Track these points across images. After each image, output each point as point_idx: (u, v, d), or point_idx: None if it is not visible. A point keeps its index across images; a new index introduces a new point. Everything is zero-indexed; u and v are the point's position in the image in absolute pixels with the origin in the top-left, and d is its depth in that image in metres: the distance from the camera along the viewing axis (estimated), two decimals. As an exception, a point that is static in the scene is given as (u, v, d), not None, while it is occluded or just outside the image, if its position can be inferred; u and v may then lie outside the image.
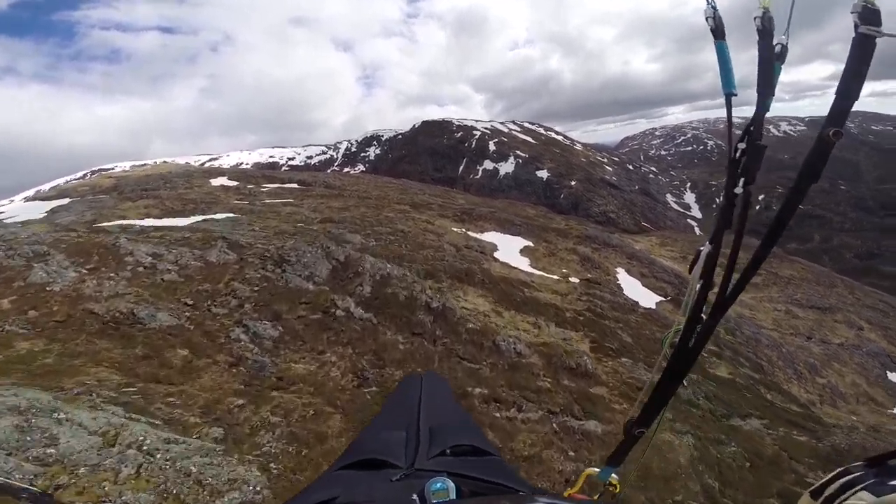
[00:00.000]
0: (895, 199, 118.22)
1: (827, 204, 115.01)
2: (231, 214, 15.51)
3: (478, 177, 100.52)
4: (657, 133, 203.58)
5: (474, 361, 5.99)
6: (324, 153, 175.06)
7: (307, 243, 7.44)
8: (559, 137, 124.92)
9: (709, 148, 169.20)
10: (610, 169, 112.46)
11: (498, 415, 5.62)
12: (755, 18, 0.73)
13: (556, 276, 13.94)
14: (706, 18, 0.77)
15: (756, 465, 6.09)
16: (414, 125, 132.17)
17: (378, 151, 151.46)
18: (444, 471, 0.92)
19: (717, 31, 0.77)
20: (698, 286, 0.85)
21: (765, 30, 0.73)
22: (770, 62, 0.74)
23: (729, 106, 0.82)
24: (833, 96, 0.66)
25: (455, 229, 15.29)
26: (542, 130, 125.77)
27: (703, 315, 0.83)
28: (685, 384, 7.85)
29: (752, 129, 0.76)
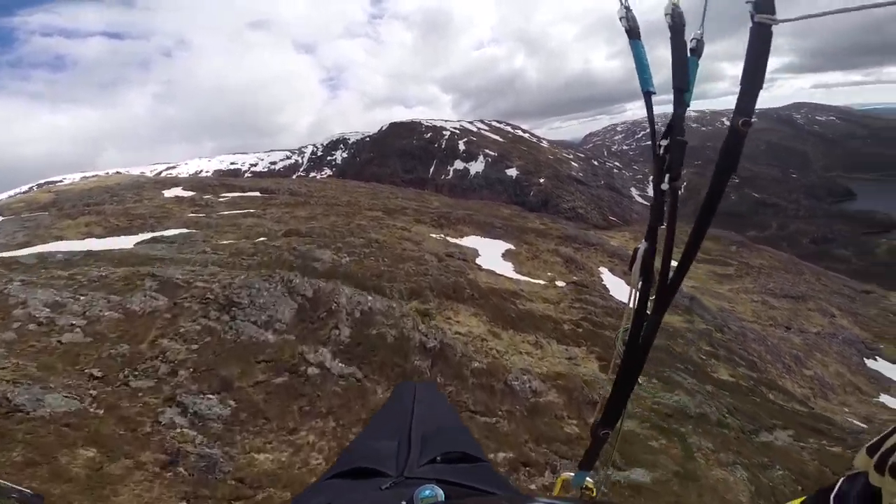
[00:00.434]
0: (840, 187, 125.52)
1: (781, 192, 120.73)
2: (184, 230, 13.98)
3: (449, 177, 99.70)
4: (619, 129, 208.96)
5: (489, 413, 4.82)
6: (288, 158, 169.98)
7: (262, 277, 5.46)
8: (526, 135, 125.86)
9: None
10: (576, 165, 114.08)
11: (533, 485, 4.58)
12: (665, 15, 0.72)
13: (542, 281, 13.19)
14: (619, 19, 0.76)
15: (806, 487, 5.50)
16: (382, 127, 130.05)
17: (345, 155, 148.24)
18: (434, 478, 0.90)
19: (632, 32, 0.77)
20: (640, 283, 0.85)
21: (676, 25, 0.73)
22: (683, 58, 0.74)
23: (649, 104, 0.81)
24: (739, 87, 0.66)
25: (434, 235, 14.30)
26: (509, 129, 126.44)
27: (647, 311, 0.84)
28: (695, 393, 7.19)
29: (673, 126, 0.76)
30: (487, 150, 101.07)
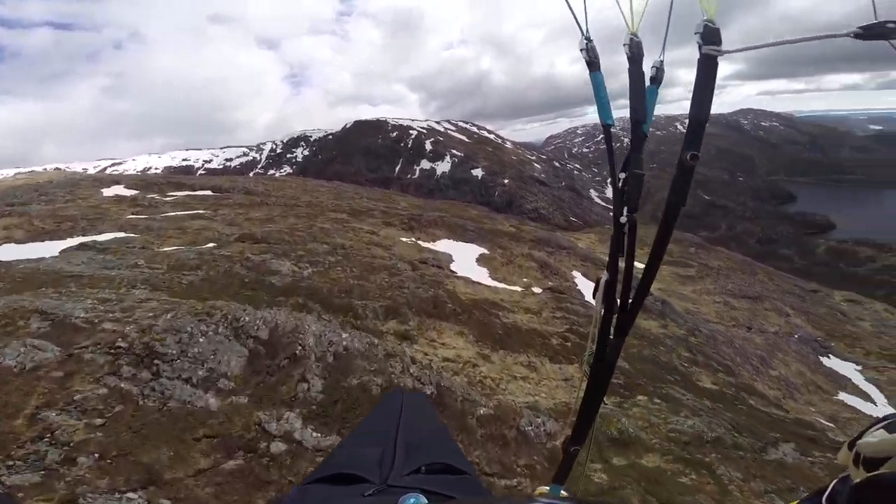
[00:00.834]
0: (782, 190, 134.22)
1: (729, 195, 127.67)
2: (119, 234, 12.34)
3: (415, 177, 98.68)
4: (579, 131, 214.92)
5: (507, 472, 3.73)
6: (245, 155, 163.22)
7: (196, 316, 3.97)
8: (491, 136, 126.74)
9: (625, 145, 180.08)
10: (538, 166, 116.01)
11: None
12: (624, 45, 0.72)
13: (519, 288, 12.55)
14: (581, 50, 0.75)
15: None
16: (346, 125, 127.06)
17: (306, 152, 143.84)
18: (418, 488, 0.89)
19: (592, 64, 0.75)
20: (602, 311, 0.88)
21: (633, 56, 0.72)
22: (641, 90, 0.74)
23: (608, 137, 0.80)
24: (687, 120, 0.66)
25: (404, 239, 13.35)
26: (475, 129, 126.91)
27: (610, 336, 0.88)
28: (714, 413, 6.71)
29: (630, 160, 0.77)
30: (454, 151, 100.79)
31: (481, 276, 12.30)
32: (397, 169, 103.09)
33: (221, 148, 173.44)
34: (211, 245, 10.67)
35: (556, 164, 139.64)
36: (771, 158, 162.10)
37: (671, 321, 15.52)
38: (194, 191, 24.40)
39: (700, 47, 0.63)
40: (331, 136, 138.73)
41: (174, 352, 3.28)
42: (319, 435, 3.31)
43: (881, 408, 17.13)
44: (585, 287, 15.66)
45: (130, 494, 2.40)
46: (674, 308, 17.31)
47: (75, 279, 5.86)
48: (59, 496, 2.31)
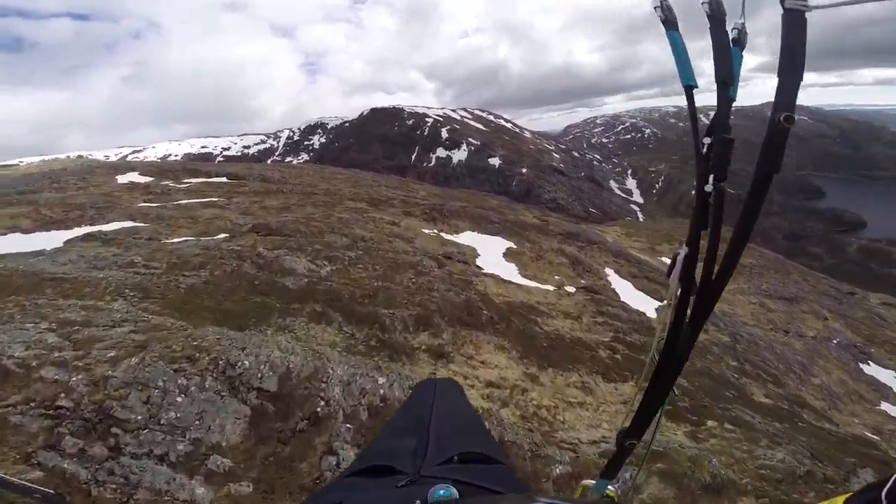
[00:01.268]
0: (811, 185, 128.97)
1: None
2: (128, 223, 11.71)
3: (431, 165, 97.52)
4: (598, 122, 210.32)
5: None
6: (263, 143, 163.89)
7: (173, 362, 2.86)
8: (508, 125, 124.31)
9: (646, 136, 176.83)
10: (557, 156, 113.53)
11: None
12: (703, 3, 0.69)
13: (551, 287, 11.58)
14: (654, 9, 0.71)
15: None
16: (363, 112, 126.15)
17: (323, 140, 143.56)
18: (450, 478, 0.89)
19: (668, 22, 0.71)
20: (678, 291, 0.79)
21: (714, 14, 0.68)
22: (726, 48, 0.69)
23: (690, 99, 0.76)
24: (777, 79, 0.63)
25: (426, 231, 12.43)
26: (492, 118, 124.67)
27: (686, 320, 0.79)
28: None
29: (717, 122, 0.73)
30: (471, 139, 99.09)
31: (511, 273, 11.35)
32: (413, 157, 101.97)
33: (239, 136, 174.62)
34: (222, 237, 9.92)
35: (576, 153, 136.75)
36: (799, 152, 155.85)
37: (712, 325, 14.38)
38: (210, 178, 23.84)
39: (783, 2, 0.59)
40: (347, 124, 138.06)
41: (140, 416, 2.21)
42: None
43: (926, 418, 15.88)
44: (620, 286, 14.59)
45: None
46: (714, 311, 16.14)
47: (55, 284, 5.08)
48: None
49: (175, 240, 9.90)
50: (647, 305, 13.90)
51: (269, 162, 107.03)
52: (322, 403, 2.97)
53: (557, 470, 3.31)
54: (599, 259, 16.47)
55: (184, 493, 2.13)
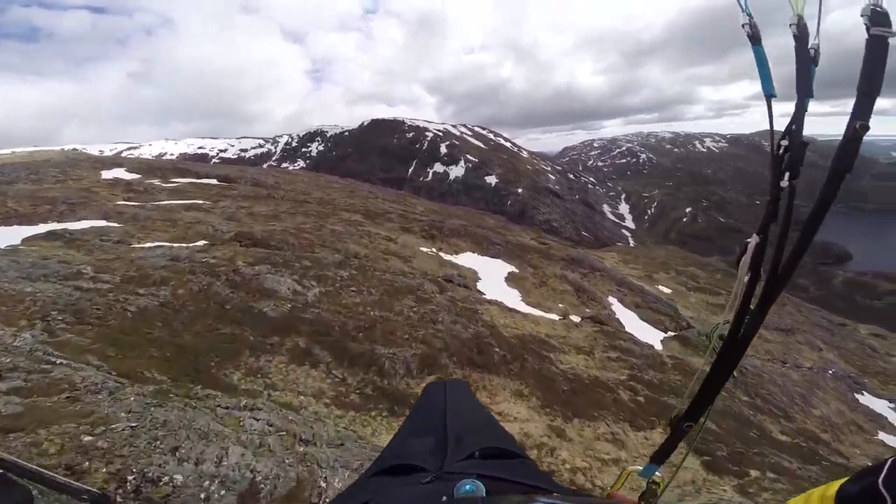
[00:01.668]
0: (802, 214, 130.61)
1: (745, 218, 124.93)
2: (100, 223, 10.73)
3: (427, 179, 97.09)
4: (595, 144, 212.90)
5: None
6: (260, 147, 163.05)
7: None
8: (507, 144, 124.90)
9: (641, 161, 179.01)
10: (553, 177, 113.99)
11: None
12: (791, 25, 0.77)
13: (556, 316, 10.78)
14: (742, 25, 0.80)
15: None
16: (363, 122, 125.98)
17: (321, 148, 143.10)
18: (474, 473, 0.89)
19: (754, 37, 0.81)
20: (746, 278, 0.82)
21: (800, 36, 0.78)
22: (807, 65, 0.78)
23: (770, 107, 0.83)
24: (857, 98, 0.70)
25: (424, 250, 11.60)
26: (491, 136, 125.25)
27: (750, 307, 0.82)
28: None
29: (793, 127, 0.80)
30: (469, 155, 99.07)
31: (514, 300, 10.53)
32: (410, 170, 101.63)
33: (238, 138, 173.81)
34: (200, 244, 8.99)
35: (571, 176, 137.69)
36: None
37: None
38: (199, 178, 22.90)
39: (867, 29, 0.66)
40: (346, 133, 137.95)
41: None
42: None
43: (921, 446, 15.52)
44: (625, 317, 13.84)
45: None
46: (719, 345, 15.45)
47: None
48: None
49: (146, 244, 8.93)
50: (654, 338, 13.15)
51: (264, 166, 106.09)
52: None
53: None
54: (602, 287, 15.75)
55: None
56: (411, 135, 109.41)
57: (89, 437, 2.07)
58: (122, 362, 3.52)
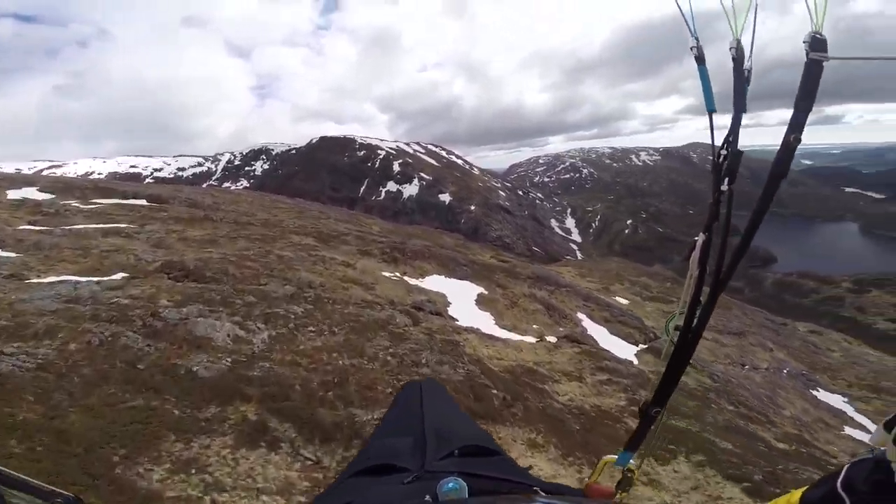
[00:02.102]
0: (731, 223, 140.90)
1: (681, 227, 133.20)
2: (-12, 253, 8.81)
3: (380, 199, 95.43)
4: (541, 161, 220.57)
5: None
6: (200, 165, 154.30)
7: None
8: (460, 161, 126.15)
9: (583, 176, 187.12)
10: (503, 194, 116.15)
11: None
12: (730, 49, 0.84)
13: (532, 338, 10.07)
14: (691, 48, 0.89)
15: None
16: (311, 140, 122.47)
17: (266, 166, 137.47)
18: (455, 471, 0.90)
19: (700, 59, 0.89)
20: (696, 272, 0.91)
21: (738, 58, 0.85)
22: (742, 83, 0.85)
23: (711, 121, 0.90)
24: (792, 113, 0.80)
25: (387, 274, 10.51)
26: (444, 153, 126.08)
27: (700, 298, 0.91)
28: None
29: (731, 138, 0.89)
30: (423, 174, 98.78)
31: (488, 323, 9.68)
32: (362, 189, 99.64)
33: (175, 156, 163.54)
34: (116, 277, 7.42)
35: (520, 192, 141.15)
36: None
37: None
38: (126, 199, 20.47)
39: (807, 54, 0.73)
40: (294, 151, 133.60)
41: None
42: None
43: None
44: (597, 333, 13.38)
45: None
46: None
47: None
48: None
49: (46, 279, 7.23)
50: (628, 352, 12.77)
51: (204, 186, 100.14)
52: None
53: None
54: (570, 304, 15.31)
55: None
56: (363, 153, 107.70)
57: None
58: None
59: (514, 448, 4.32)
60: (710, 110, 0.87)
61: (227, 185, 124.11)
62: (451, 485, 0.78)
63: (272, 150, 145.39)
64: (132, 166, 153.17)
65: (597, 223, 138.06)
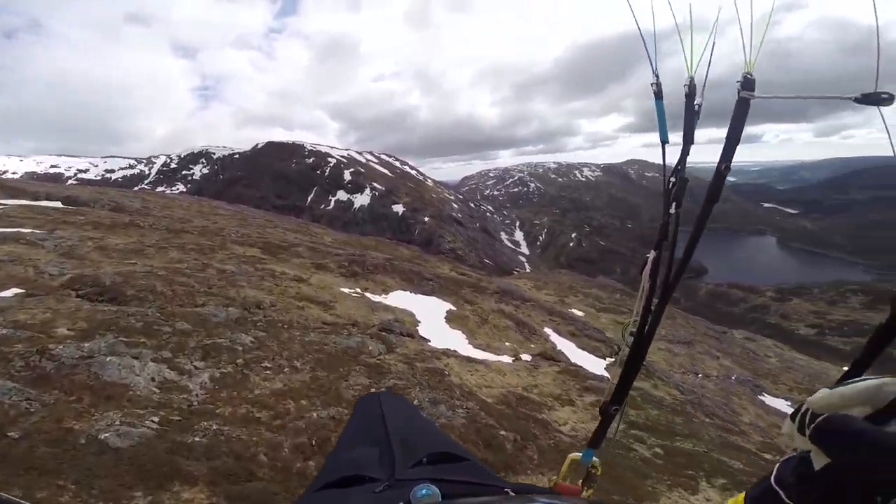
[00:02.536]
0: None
1: (621, 241, 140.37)
2: None
3: (329, 208, 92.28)
4: (491, 174, 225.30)
5: None
6: (131, 168, 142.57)
7: None
8: (413, 172, 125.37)
9: (531, 190, 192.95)
10: (456, 206, 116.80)
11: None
12: (684, 85, 0.92)
13: (508, 357, 9.38)
14: (651, 84, 0.96)
15: None
16: (257, 144, 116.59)
17: (206, 171, 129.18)
18: (427, 478, 0.89)
19: (658, 94, 0.96)
20: (647, 285, 1.02)
21: (690, 93, 0.92)
22: (692, 118, 0.93)
23: (664, 152, 1.01)
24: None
25: (346, 290, 9.38)
26: (397, 164, 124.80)
27: (651, 307, 1.02)
28: None
29: (679, 167, 0.98)
30: (375, 183, 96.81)
31: (460, 343, 8.83)
32: (310, 198, 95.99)
33: (104, 157, 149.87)
34: (7, 295, 5.85)
35: (472, 204, 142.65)
36: (653, 206, 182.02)
37: (659, 380, 13.47)
38: (37, 200, 17.78)
39: (738, 92, 0.81)
40: (237, 156, 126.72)
41: None
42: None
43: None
44: (566, 348, 12.92)
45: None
46: (653, 365, 15.41)
47: None
48: None
49: None
50: (598, 366, 12.41)
51: (135, 189, 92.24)
52: None
53: None
54: (537, 318, 14.83)
55: None
56: (312, 160, 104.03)
57: None
58: None
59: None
60: (664, 141, 0.97)
61: (161, 189, 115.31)
62: (424, 491, 0.77)
63: (213, 153, 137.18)
64: (53, 166, 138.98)
65: (543, 236, 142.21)
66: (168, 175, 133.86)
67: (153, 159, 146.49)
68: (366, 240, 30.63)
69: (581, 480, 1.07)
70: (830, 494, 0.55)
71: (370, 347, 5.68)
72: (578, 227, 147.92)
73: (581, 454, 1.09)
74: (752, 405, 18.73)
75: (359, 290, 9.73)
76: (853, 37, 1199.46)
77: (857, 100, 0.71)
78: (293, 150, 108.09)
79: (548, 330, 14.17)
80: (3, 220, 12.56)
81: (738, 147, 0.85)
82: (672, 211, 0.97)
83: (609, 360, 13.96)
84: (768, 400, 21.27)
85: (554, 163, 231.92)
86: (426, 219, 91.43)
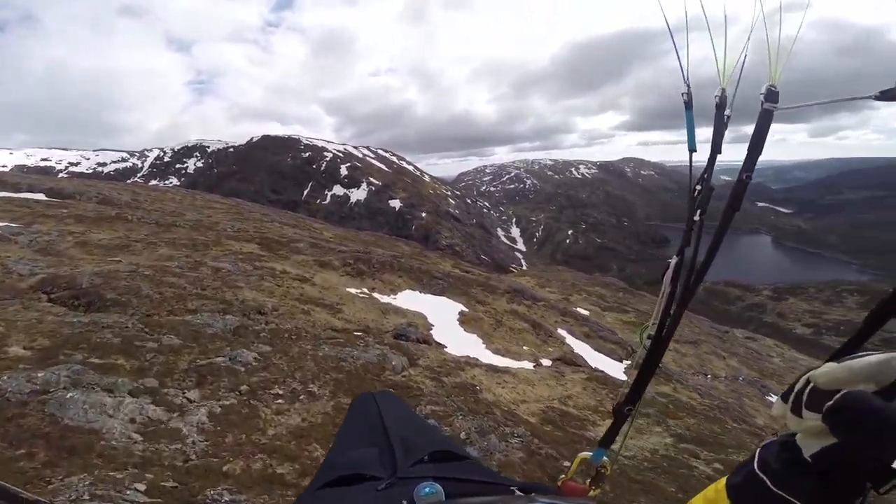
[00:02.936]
0: (659, 234, 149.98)
1: (616, 238, 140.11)
2: None
3: (325, 202, 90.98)
4: (487, 171, 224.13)
5: None
6: (124, 161, 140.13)
7: None
8: (410, 167, 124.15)
9: (527, 186, 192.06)
10: (453, 202, 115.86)
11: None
12: (715, 96, 0.93)
13: (528, 363, 8.65)
14: (682, 94, 0.96)
15: None
16: (252, 138, 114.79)
17: (200, 164, 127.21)
18: (429, 476, 0.87)
19: (688, 104, 0.96)
20: (668, 289, 1.00)
21: (721, 104, 0.93)
22: (721, 128, 0.94)
23: (691, 160, 1.01)
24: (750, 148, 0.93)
25: (353, 291, 8.58)
26: (394, 159, 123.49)
27: (671, 311, 1.00)
28: None
29: (705, 175, 0.98)
30: (372, 178, 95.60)
31: (478, 348, 8.09)
32: (306, 192, 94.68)
33: (95, 151, 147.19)
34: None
35: (468, 200, 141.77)
36: (649, 203, 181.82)
37: (677, 383, 12.85)
38: (19, 192, 16.78)
39: (762, 103, 0.81)
40: (232, 149, 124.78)
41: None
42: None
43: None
44: (583, 351, 12.21)
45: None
46: (669, 368, 14.79)
47: None
48: None
49: None
50: (616, 370, 11.74)
51: (128, 183, 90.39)
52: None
53: None
54: (550, 319, 14.11)
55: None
56: (308, 154, 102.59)
57: None
58: None
59: None
60: (692, 150, 0.99)
61: (154, 182, 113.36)
62: (427, 489, 0.77)
63: (207, 147, 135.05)
64: (44, 159, 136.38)
65: (540, 233, 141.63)
66: (161, 169, 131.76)
67: (146, 153, 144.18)
68: (365, 235, 29.76)
69: (589, 480, 1.06)
70: (822, 482, 0.53)
71: (393, 362, 4.90)
72: (574, 224, 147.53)
73: (591, 453, 1.06)
74: (762, 406, 18.20)
75: (366, 290, 8.93)
76: (848, 38, 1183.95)
77: (876, 97, 0.72)
78: (289, 144, 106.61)
79: (562, 332, 13.46)
80: (-20, 212, 11.64)
81: (735, 147, 0.91)
82: (696, 218, 0.98)
83: (626, 362, 13.32)
84: (774, 400, 20.80)
85: (550, 160, 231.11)
86: (423, 214, 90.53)
